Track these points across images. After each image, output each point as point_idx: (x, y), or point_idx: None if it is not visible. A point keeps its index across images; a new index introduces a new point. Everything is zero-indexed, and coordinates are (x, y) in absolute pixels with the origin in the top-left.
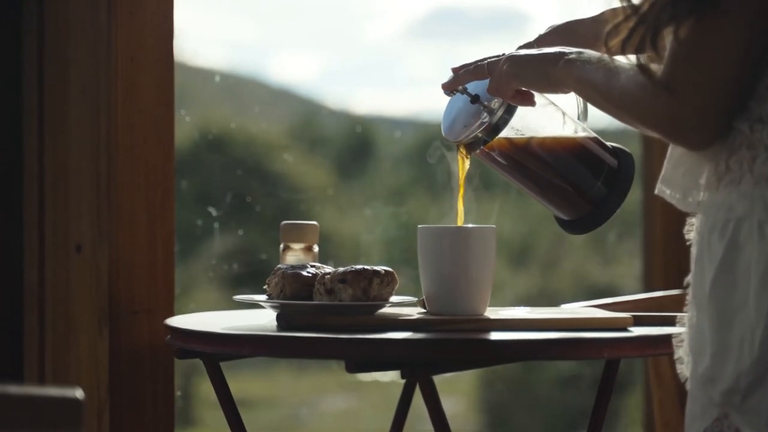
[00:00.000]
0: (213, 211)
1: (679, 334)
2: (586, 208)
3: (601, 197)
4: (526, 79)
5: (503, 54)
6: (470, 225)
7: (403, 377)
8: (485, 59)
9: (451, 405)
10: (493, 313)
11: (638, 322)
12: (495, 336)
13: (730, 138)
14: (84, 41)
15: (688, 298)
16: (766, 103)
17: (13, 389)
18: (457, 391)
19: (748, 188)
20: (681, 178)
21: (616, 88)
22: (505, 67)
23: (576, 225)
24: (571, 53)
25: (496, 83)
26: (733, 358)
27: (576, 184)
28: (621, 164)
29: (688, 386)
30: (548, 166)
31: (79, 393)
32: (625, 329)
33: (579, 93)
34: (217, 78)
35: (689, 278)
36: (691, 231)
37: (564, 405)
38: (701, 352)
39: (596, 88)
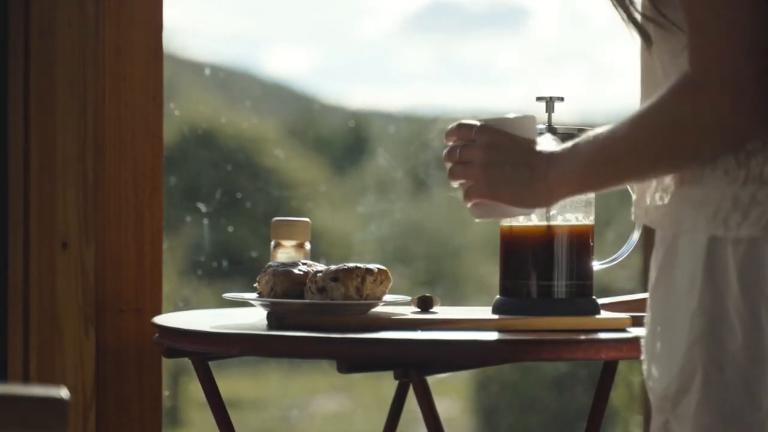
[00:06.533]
0: (202, 207)
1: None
2: (531, 293)
3: (553, 297)
4: (503, 200)
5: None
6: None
7: (396, 378)
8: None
9: (445, 406)
10: (487, 313)
11: (637, 322)
12: (490, 336)
13: None
14: (71, 33)
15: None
16: None
17: None
18: (452, 392)
19: (685, 196)
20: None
21: (642, 129)
22: (478, 176)
23: (508, 303)
24: (554, 151)
25: (467, 191)
26: (664, 365)
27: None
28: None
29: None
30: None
31: (64, 392)
32: (623, 330)
33: (595, 183)
34: (207, 71)
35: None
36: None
37: (561, 407)
38: (646, 355)
39: (620, 153)
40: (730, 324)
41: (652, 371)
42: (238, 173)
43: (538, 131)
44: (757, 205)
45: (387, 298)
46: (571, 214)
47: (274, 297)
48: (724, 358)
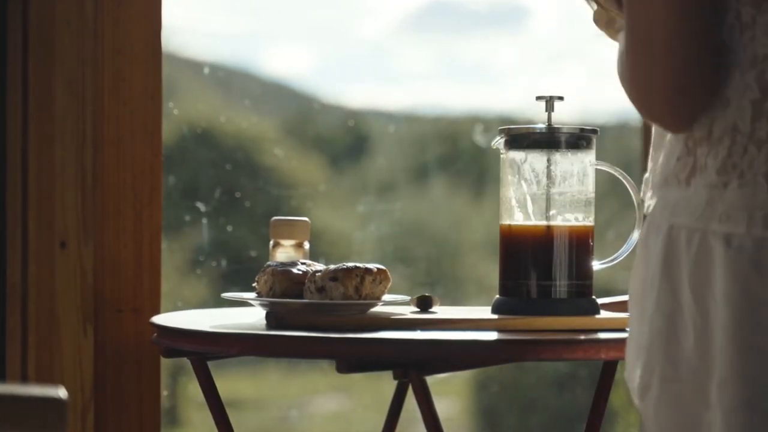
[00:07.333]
0: (201, 207)
1: None
2: (530, 293)
3: (553, 297)
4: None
5: None
6: None
7: (395, 378)
8: None
9: (444, 407)
10: (487, 313)
11: None
12: (490, 336)
13: (663, 139)
14: (70, 32)
15: None
16: None
17: None
18: (451, 392)
19: (656, 188)
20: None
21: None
22: None
23: (507, 303)
24: None
25: None
26: (632, 362)
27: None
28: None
29: None
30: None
31: (62, 393)
32: (623, 330)
33: None
34: (206, 70)
35: None
36: None
37: (561, 407)
38: (626, 354)
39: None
40: (684, 323)
41: (629, 369)
42: (238, 172)
43: None
44: (700, 196)
45: (386, 297)
46: (571, 214)
47: (273, 297)
48: (678, 357)
